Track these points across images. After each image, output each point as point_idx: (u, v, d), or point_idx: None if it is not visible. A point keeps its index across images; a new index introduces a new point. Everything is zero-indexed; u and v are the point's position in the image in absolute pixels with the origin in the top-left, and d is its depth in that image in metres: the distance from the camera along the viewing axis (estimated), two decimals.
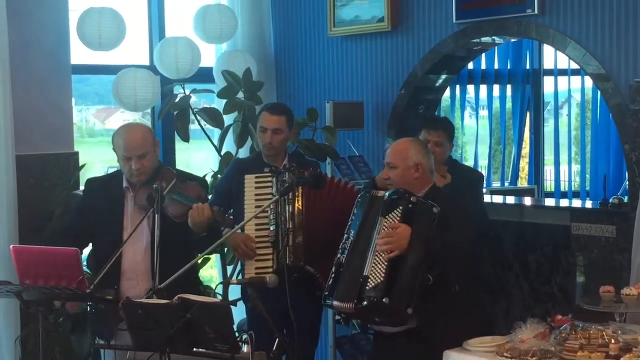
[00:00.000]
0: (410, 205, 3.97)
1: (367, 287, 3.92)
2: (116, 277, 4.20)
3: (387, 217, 4.01)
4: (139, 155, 4.22)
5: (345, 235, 4.16)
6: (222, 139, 6.03)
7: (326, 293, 4.12)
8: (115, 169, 4.54)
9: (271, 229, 4.62)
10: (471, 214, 4.26)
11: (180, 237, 4.17)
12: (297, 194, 4.61)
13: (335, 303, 4.08)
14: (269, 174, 4.66)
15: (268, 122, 4.84)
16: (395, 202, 4.02)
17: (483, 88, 8.93)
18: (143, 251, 4.26)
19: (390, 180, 4.19)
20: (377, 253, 3.96)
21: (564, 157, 9.09)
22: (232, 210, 4.85)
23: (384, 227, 3.98)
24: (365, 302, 3.92)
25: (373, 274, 3.94)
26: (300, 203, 4.62)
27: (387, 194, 4.07)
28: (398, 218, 3.97)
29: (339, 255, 4.13)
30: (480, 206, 5.21)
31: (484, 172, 9.00)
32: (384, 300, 3.86)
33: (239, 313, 4.65)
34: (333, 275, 4.12)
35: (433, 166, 4.29)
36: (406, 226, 3.93)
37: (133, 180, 4.26)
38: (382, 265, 3.93)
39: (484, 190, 8.34)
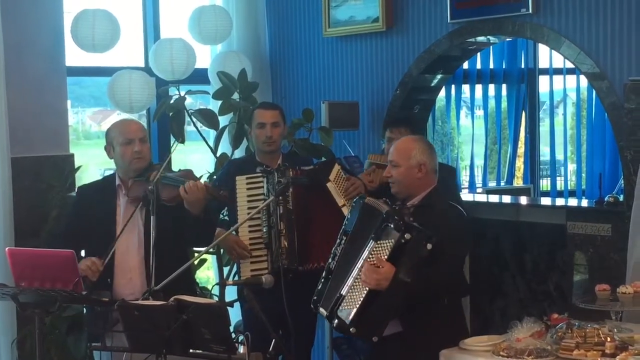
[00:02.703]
0: (402, 241, 3.74)
1: (340, 307, 3.88)
2: (110, 271, 4.20)
3: (378, 242, 3.81)
4: (141, 137, 4.29)
5: (338, 240, 4.07)
6: (217, 140, 6.02)
7: (315, 297, 4.10)
8: (110, 172, 4.53)
9: (264, 230, 4.63)
10: (463, 230, 4.07)
11: (174, 232, 4.17)
12: (287, 194, 4.61)
13: (320, 309, 4.06)
14: (260, 174, 4.67)
15: (266, 117, 4.86)
16: (390, 230, 3.78)
17: (478, 88, 8.93)
18: (137, 244, 4.26)
19: (392, 179, 4.05)
20: (358, 277, 3.84)
21: (559, 156, 9.09)
22: (226, 209, 4.87)
23: (371, 254, 3.82)
24: (335, 321, 3.90)
25: (349, 297, 3.86)
26: (290, 204, 4.63)
27: (384, 213, 3.84)
28: (387, 254, 3.77)
29: (329, 260, 4.08)
30: (458, 202, 5.18)
31: (480, 172, 9.01)
32: (350, 329, 3.83)
33: (235, 314, 4.65)
34: (322, 280, 4.08)
35: (437, 167, 4.12)
36: (391, 267, 3.74)
37: (133, 167, 4.26)
38: (360, 292, 3.83)
39: (480, 190, 8.38)
